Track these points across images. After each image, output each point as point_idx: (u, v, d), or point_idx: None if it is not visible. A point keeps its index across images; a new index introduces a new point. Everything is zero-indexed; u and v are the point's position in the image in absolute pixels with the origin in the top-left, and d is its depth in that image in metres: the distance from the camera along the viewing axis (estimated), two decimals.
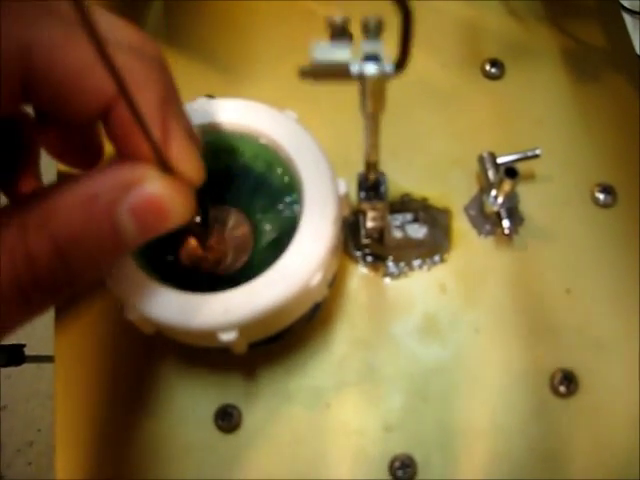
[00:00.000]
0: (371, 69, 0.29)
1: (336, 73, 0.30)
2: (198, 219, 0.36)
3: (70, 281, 0.29)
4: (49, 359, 1.23)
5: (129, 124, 0.28)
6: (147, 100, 0.29)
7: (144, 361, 0.46)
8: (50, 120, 0.34)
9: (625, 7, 0.56)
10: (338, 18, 0.30)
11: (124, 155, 0.30)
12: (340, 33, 0.30)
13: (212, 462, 0.43)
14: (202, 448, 0.44)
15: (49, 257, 0.27)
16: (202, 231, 0.38)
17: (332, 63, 0.30)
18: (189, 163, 0.31)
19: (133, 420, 0.45)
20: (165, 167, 0.30)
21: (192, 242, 0.39)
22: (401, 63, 0.29)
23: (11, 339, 1.01)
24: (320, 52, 0.30)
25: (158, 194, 0.29)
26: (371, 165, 0.38)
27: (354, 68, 0.29)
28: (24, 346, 1.02)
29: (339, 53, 0.30)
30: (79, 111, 0.30)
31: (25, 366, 1.02)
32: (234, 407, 0.44)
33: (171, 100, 0.31)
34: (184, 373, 0.45)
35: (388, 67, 0.29)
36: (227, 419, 0.44)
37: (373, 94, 0.31)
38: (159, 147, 0.29)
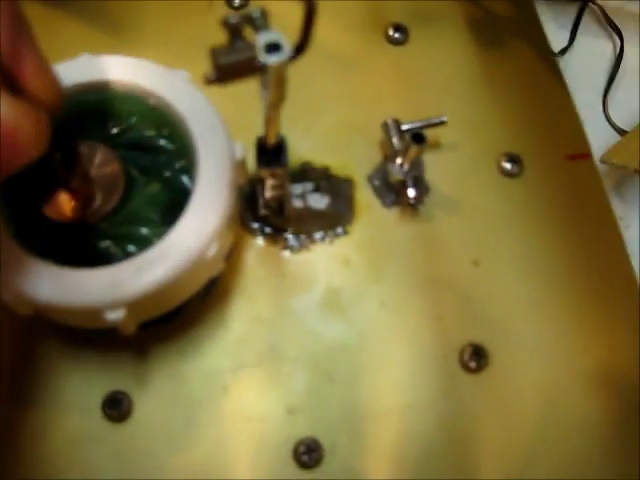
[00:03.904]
0: (275, 58, 0.29)
1: (241, 72, 0.31)
2: (59, 156, 0.33)
3: None
4: None
5: None
6: None
7: (22, 346, 0.43)
8: None
9: None
10: (233, 18, 0.30)
11: None
12: (236, 32, 0.30)
13: (101, 454, 0.41)
14: (90, 439, 0.42)
15: None
16: (65, 170, 0.34)
17: (236, 63, 0.30)
18: (43, 83, 0.27)
19: (12, 411, 0.42)
20: (13, 87, 0.26)
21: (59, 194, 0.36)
22: (301, 48, 0.30)
23: None
24: (223, 57, 0.30)
25: (2, 117, 0.25)
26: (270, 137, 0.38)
27: (257, 63, 0.30)
28: None
29: (242, 52, 0.30)
30: None
31: None
32: (124, 394, 0.42)
33: (20, 19, 0.27)
34: (67, 358, 0.43)
35: (289, 53, 0.29)
36: (116, 407, 0.42)
37: (276, 82, 0.31)
38: (3, 60, 0.25)
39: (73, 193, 0.35)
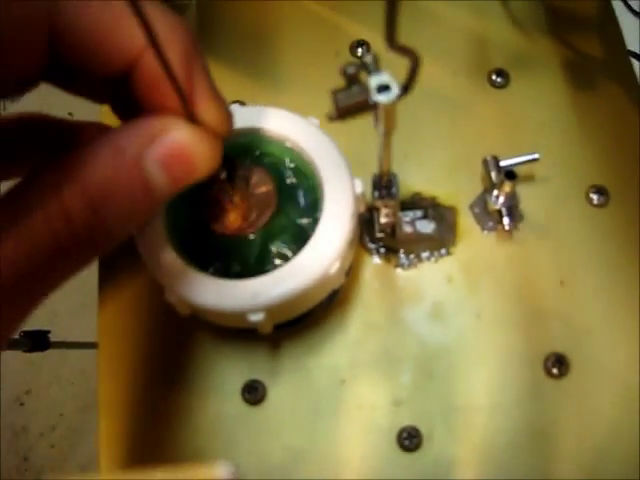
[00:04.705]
0: (384, 98, 0.33)
1: (356, 110, 0.35)
2: (224, 175, 0.38)
3: (107, 236, 0.29)
4: (73, 345, 1.25)
5: (154, 78, 0.29)
6: (172, 52, 0.29)
7: (179, 340, 0.49)
8: (78, 77, 0.33)
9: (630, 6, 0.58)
10: (350, 68, 0.34)
11: (150, 111, 0.31)
12: (353, 79, 0.34)
13: (239, 432, 0.47)
14: (230, 419, 0.47)
15: (84, 212, 0.27)
16: (228, 188, 0.40)
17: (353, 104, 0.34)
18: (215, 112, 0.31)
19: (169, 393, 0.48)
20: (192, 118, 0.30)
21: (218, 206, 0.41)
22: (407, 88, 0.34)
23: (35, 326, 1.04)
24: (342, 99, 0.35)
25: (184, 142, 0.30)
26: (384, 171, 0.42)
27: (370, 101, 0.34)
28: (49, 332, 1.04)
29: (358, 95, 0.34)
30: (105, 67, 0.30)
31: (48, 352, 1.04)
32: (259, 382, 0.47)
33: (195, 53, 0.31)
34: (215, 351, 0.49)
35: (397, 92, 0.33)
36: (253, 393, 0.47)
37: (386, 117, 0.35)
38: (185, 96, 0.29)
39: (233, 209, 0.41)
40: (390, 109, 0.34)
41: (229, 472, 0.21)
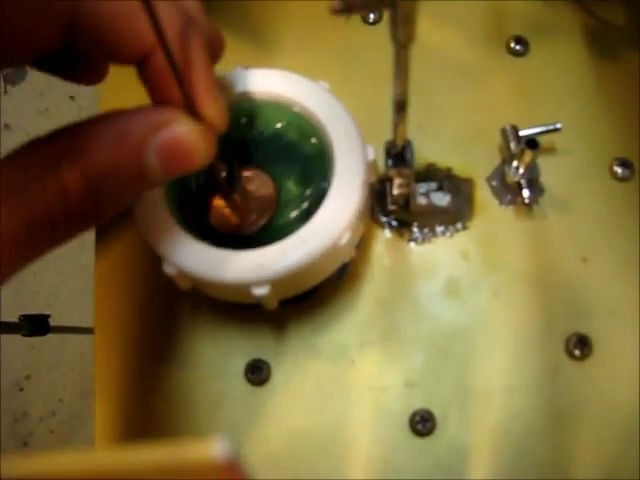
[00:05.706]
0: None
1: (367, 3, 0.31)
2: (224, 174, 0.38)
3: (98, 214, 0.30)
4: (73, 330, 1.24)
5: (163, 72, 0.31)
6: (179, 49, 0.31)
7: (179, 317, 0.48)
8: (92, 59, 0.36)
9: None
10: None
11: (156, 100, 0.33)
12: None
13: (242, 413, 0.46)
14: (233, 400, 0.46)
15: (80, 190, 0.28)
16: (228, 187, 0.39)
17: None
18: (214, 110, 0.33)
19: (168, 372, 0.47)
20: (192, 113, 0.32)
21: (219, 202, 0.41)
22: None
23: (35, 310, 1.03)
24: None
25: (184, 135, 0.31)
26: (402, 106, 0.38)
27: None
28: (49, 317, 1.03)
29: None
30: (119, 57, 0.32)
31: (48, 337, 1.03)
32: (264, 362, 0.46)
33: (200, 53, 0.33)
34: (217, 329, 0.47)
35: None
36: (257, 373, 0.46)
37: (405, 18, 0.30)
38: (189, 94, 0.31)
39: (234, 208, 0.41)
40: (410, 7, 0.29)
41: (227, 450, 0.18)
